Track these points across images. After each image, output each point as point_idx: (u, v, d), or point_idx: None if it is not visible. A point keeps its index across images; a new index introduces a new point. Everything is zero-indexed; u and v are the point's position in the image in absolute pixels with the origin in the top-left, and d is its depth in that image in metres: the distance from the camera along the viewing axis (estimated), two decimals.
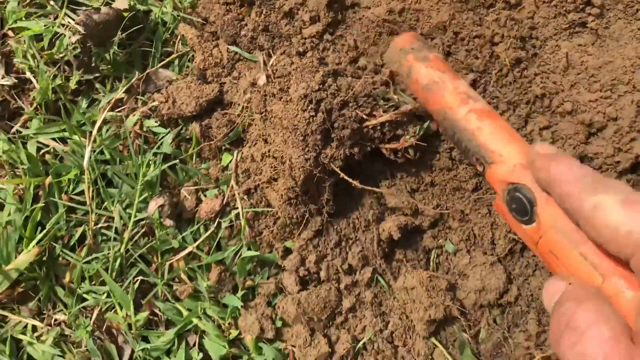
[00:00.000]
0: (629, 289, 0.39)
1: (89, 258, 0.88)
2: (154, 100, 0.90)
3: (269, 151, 0.82)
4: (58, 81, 0.93)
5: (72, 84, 0.93)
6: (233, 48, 0.89)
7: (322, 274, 0.86)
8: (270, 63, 0.84)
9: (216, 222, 0.88)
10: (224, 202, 0.88)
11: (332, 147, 0.78)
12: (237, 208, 0.87)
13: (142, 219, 0.89)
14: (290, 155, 0.77)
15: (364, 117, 0.77)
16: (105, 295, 0.88)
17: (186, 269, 0.88)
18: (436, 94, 0.71)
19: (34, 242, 0.88)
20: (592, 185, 0.42)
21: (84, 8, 0.95)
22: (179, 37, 0.94)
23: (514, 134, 0.61)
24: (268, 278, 0.88)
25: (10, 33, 0.97)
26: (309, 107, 0.75)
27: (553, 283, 0.43)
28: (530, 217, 0.49)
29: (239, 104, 0.86)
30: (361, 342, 0.84)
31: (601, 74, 0.81)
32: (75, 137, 0.91)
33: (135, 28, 0.92)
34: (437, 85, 0.71)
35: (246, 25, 0.89)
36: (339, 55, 0.84)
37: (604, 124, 0.79)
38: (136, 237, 0.89)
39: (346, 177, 0.78)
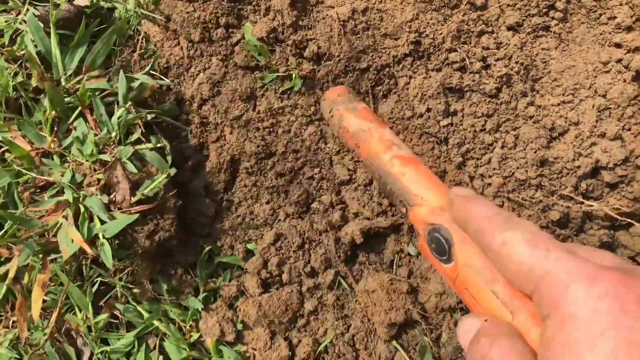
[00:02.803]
0: (534, 325, 0.40)
1: (48, 258, 0.87)
2: None
3: None
4: (19, 78, 0.91)
5: (34, 82, 0.91)
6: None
7: (285, 276, 0.85)
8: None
9: None
10: None
11: None
12: None
13: None
14: None
15: None
16: (63, 296, 0.86)
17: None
18: (364, 141, 0.75)
19: None
20: (503, 222, 0.44)
21: (45, 4, 0.93)
22: (142, 34, 0.92)
23: (435, 179, 0.64)
24: (230, 280, 0.87)
25: None
26: None
27: (468, 321, 0.45)
28: (449, 257, 0.52)
29: None
30: (322, 345, 0.83)
31: (564, 78, 0.81)
32: None
33: (100, 26, 0.90)
34: (365, 133, 0.75)
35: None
36: None
37: (565, 128, 0.79)
38: None
39: None
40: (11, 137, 0.84)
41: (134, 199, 0.76)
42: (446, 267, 0.52)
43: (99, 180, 0.77)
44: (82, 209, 0.77)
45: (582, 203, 0.78)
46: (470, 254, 0.49)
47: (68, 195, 0.77)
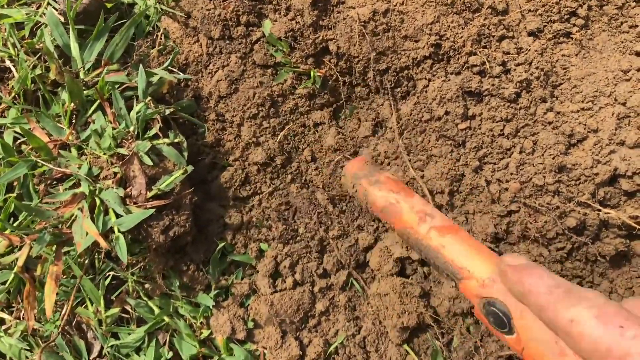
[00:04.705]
0: None
1: (62, 250, 0.87)
2: None
3: None
4: (38, 71, 0.91)
5: (52, 75, 0.91)
6: None
7: (297, 276, 0.85)
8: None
9: None
10: None
11: None
12: None
13: None
14: None
15: None
16: (75, 289, 0.86)
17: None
18: (394, 215, 0.72)
19: (7, 232, 0.86)
20: (566, 297, 0.42)
21: None
22: (161, 30, 0.92)
23: (479, 246, 0.62)
24: (242, 278, 0.87)
25: None
26: None
27: None
28: (510, 329, 0.50)
29: None
30: (333, 346, 0.83)
31: (584, 85, 0.81)
32: None
33: (119, 20, 0.91)
34: (394, 206, 0.73)
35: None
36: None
37: (584, 135, 0.79)
38: None
39: None
40: (29, 128, 0.84)
41: (149, 194, 0.76)
42: (509, 339, 0.51)
43: (115, 173, 0.77)
44: (98, 202, 0.77)
45: (599, 210, 0.77)
46: (532, 327, 0.47)
47: (84, 188, 0.77)
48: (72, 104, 0.82)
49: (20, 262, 0.79)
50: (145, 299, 0.86)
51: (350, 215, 0.87)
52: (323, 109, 0.90)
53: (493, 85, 0.80)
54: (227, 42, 0.89)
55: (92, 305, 0.86)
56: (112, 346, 0.85)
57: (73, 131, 0.82)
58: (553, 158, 0.78)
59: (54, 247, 0.80)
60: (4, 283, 0.85)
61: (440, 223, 0.67)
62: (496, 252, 0.64)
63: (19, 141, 0.92)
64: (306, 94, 0.88)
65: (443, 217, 0.69)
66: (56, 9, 0.93)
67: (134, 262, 0.85)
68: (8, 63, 0.94)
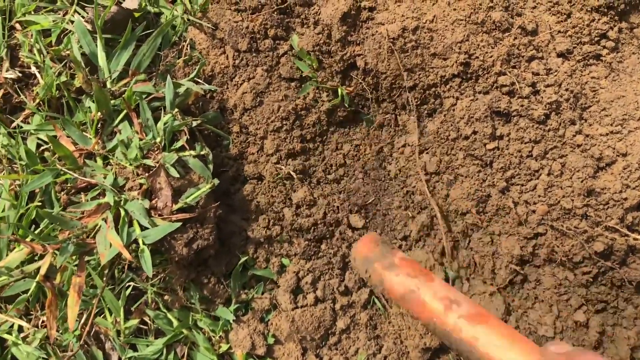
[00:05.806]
0: None
1: (85, 260, 0.86)
2: None
3: None
4: (63, 78, 0.91)
5: (77, 82, 0.91)
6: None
7: (318, 292, 0.84)
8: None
9: None
10: None
11: None
12: None
13: None
14: None
15: None
16: (95, 299, 0.85)
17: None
18: (417, 304, 0.67)
19: (29, 240, 0.86)
20: None
21: (93, 5, 0.94)
22: (187, 40, 0.92)
23: (513, 333, 0.58)
24: (263, 293, 0.86)
25: (17, 26, 0.96)
26: None
27: None
28: None
29: None
30: None
31: (613, 107, 0.80)
32: None
33: (145, 30, 0.90)
34: (414, 294, 0.68)
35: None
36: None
37: (613, 158, 0.78)
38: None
39: None
40: (55, 135, 0.84)
41: (175, 207, 0.76)
42: None
43: (141, 184, 0.77)
44: (123, 213, 0.76)
45: (627, 236, 0.76)
46: None
47: (109, 198, 0.76)
48: (99, 114, 0.82)
49: (42, 271, 0.79)
50: (164, 310, 0.85)
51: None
52: (345, 124, 0.90)
53: (522, 106, 0.80)
54: (254, 54, 0.89)
55: (111, 315, 0.85)
56: (130, 358, 0.84)
57: (99, 141, 0.82)
58: (582, 181, 0.77)
59: (76, 257, 0.80)
60: (24, 291, 0.84)
61: (468, 310, 0.63)
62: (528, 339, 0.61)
63: (41, 148, 0.91)
64: (329, 107, 0.88)
65: (469, 302, 0.65)
66: (83, 17, 0.93)
67: (155, 273, 0.84)
68: (34, 69, 0.94)
